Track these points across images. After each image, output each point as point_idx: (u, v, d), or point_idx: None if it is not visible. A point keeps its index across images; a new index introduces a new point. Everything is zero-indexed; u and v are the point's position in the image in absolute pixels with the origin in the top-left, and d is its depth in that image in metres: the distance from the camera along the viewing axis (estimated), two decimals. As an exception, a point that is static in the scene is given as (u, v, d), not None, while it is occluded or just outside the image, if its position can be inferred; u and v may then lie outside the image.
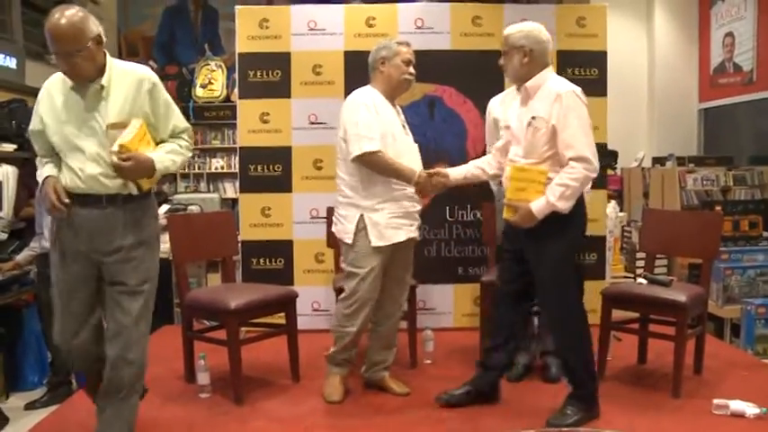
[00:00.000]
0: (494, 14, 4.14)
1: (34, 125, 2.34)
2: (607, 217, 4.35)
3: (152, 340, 2.46)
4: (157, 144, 2.39)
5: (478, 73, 4.03)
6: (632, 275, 5.08)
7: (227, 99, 7.57)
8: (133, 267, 2.35)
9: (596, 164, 2.60)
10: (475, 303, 4.08)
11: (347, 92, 3.08)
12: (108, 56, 2.31)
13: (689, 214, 4.45)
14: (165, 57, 8.24)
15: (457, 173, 3.01)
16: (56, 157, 2.36)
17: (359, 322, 2.94)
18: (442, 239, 4.21)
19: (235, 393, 3.01)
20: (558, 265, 2.68)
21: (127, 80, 2.31)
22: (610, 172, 6.78)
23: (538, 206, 2.59)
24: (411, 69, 2.99)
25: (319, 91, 4.16)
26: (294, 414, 2.91)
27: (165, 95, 2.40)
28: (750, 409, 2.73)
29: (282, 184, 4.20)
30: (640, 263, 4.96)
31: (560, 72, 4.14)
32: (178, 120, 2.46)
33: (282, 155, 4.19)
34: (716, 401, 2.80)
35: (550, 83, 2.69)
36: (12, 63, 5.71)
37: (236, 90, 4.57)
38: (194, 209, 4.88)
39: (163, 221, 3.36)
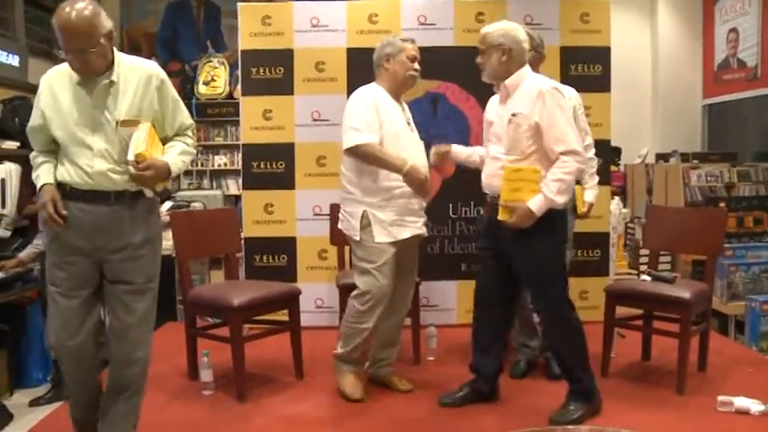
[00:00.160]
0: (497, 10, 4.10)
1: (34, 120, 2.26)
2: (610, 213, 4.34)
3: (155, 337, 2.44)
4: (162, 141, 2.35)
5: (482, 69, 4.02)
6: (636, 272, 5.06)
7: (230, 96, 7.56)
8: (140, 265, 2.30)
9: (585, 154, 2.72)
10: (478, 300, 4.08)
11: (350, 88, 3.08)
12: (115, 50, 2.25)
13: (693, 211, 4.44)
14: (167, 53, 8.24)
15: (460, 150, 3.10)
16: (52, 154, 2.29)
17: (374, 318, 2.92)
18: (445, 236, 4.20)
19: (238, 390, 3.02)
20: (547, 263, 2.69)
21: (136, 76, 2.26)
22: (613, 168, 6.77)
23: (536, 204, 2.58)
24: (416, 66, 2.99)
25: (322, 88, 4.16)
26: (297, 411, 2.91)
27: (172, 92, 2.36)
28: (755, 406, 2.73)
29: (285, 181, 4.20)
30: (644, 259, 4.96)
31: (564, 68, 4.18)
32: (184, 116, 2.42)
33: (285, 152, 4.19)
34: (720, 398, 2.80)
35: (529, 81, 2.71)
36: (14, 61, 5.72)
37: (238, 87, 4.57)
38: (197, 206, 4.87)
39: (166, 218, 3.37)
